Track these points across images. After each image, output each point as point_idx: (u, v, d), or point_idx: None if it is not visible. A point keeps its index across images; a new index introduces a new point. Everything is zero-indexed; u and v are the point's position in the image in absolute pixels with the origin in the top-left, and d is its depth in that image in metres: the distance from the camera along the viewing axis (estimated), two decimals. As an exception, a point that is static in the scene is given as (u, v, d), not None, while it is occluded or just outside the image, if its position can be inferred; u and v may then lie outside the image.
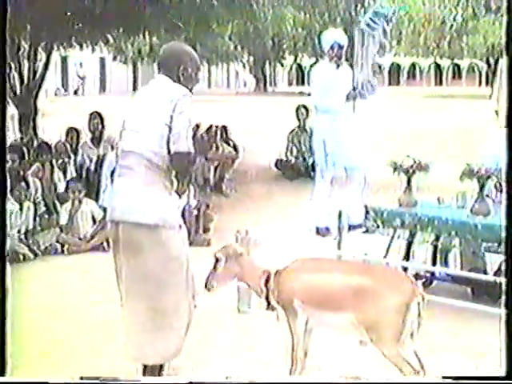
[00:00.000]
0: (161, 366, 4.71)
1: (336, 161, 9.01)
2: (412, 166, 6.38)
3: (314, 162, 11.46)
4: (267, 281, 4.72)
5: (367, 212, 6.70)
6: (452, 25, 22.49)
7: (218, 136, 12.18)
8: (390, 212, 6.56)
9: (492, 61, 22.91)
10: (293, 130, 12.39)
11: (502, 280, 5.88)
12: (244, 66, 43.07)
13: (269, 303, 4.73)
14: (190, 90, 4.61)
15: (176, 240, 4.58)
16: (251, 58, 37.97)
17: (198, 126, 11.70)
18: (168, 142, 4.45)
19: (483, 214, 6.08)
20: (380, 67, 8.97)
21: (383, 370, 4.61)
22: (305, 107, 11.75)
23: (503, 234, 5.82)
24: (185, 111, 4.47)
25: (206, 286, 4.69)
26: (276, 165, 12.52)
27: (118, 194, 4.64)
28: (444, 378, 4.32)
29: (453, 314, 5.81)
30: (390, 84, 40.35)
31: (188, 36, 15.52)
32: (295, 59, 40.03)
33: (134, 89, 39.50)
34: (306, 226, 9.03)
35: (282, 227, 8.92)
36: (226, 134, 12.28)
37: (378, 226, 6.64)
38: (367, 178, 9.10)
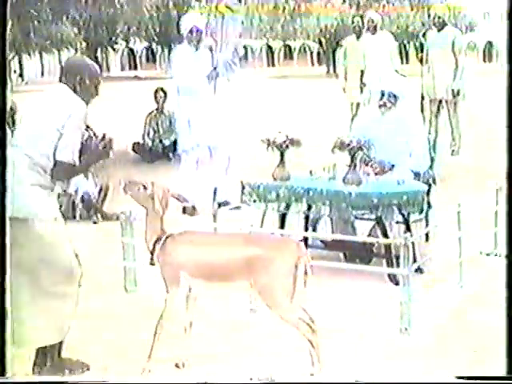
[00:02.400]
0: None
1: (200, 141, 9.34)
2: (284, 142, 6.66)
3: (171, 144, 11.80)
4: (156, 241, 4.86)
5: (243, 187, 6.97)
6: (285, 7, 23.09)
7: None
8: (266, 186, 6.81)
9: (324, 41, 23.69)
10: (151, 113, 12.39)
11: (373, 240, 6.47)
12: (76, 52, 42.22)
13: (152, 261, 4.87)
14: (87, 103, 4.86)
15: (51, 231, 4.77)
16: (84, 44, 37.32)
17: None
18: (55, 148, 4.70)
19: (355, 184, 6.45)
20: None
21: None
22: (163, 90, 11.87)
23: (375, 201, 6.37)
24: (77, 124, 4.75)
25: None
26: (133, 148, 12.54)
27: None
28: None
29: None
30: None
31: (25, 25, 15.23)
32: (127, 44, 39.64)
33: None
34: (171, 206, 9.24)
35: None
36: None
37: (255, 201, 6.93)
38: (231, 156, 9.47)
